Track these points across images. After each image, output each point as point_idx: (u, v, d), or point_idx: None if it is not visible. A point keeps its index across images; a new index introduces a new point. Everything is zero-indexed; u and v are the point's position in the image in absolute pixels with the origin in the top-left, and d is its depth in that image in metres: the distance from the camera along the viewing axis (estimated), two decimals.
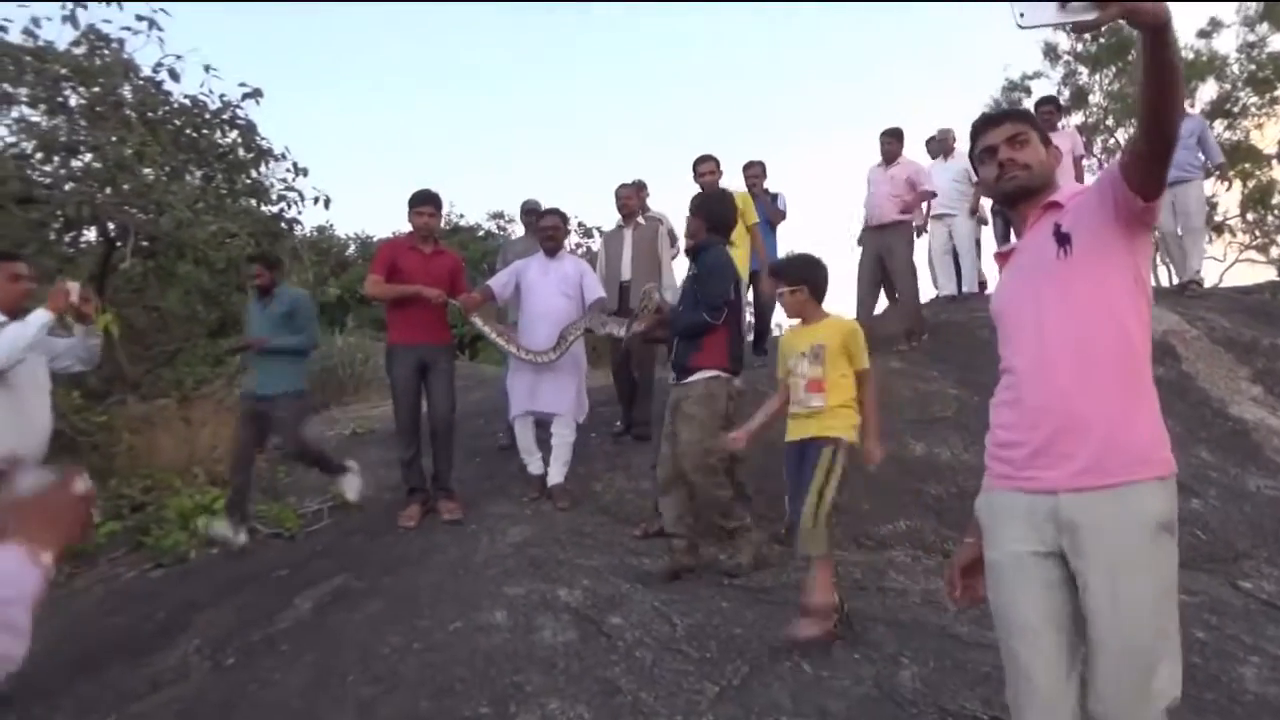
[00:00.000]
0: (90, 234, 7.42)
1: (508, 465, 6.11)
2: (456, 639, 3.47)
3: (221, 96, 7.74)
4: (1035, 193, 1.94)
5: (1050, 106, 7.26)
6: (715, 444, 3.92)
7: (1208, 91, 20.83)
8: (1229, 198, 20.73)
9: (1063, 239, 1.81)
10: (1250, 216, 21.86)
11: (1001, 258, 2.06)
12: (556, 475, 5.22)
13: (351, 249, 20.01)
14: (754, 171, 7.26)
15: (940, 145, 8.39)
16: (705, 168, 6.32)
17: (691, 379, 4.04)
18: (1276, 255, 23.95)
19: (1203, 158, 7.39)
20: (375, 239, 20.11)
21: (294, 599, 4.09)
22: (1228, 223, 21.83)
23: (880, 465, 4.95)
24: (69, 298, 3.50)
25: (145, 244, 7.13)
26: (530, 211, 6.62)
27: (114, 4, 6.84)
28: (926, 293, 7.86)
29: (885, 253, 6.84)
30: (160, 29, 7.06)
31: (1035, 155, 1.94)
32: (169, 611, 4.20)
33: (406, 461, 5.05)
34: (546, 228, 5.39)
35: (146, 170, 6.87)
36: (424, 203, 5.07)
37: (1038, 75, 24.21)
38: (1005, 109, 2.40)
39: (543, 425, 5.38)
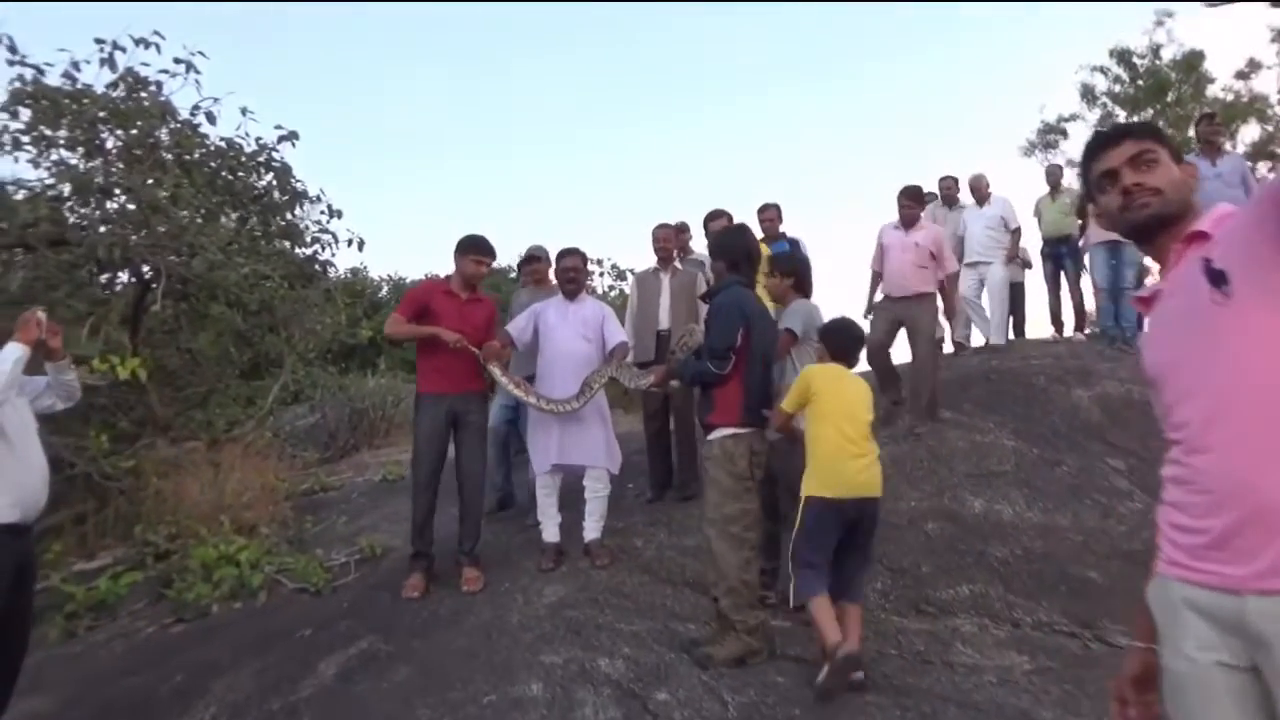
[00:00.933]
0: (124, 276, 7.37)
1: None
2: (490, 714, 3.22)
3: (258, 139, 7.70)
4: (1172, 221, 1.61)
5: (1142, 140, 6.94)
6: (739, 511, 3.64)
7: (1249, 133, 20.53)
8: None
9: (1217, 277, 1.44)
10: None
11: (1144, 303, 1.69)
12: (592, 531, 4.93)
13: (384, 290, 20.02)
14: (769, 215, 6.65)
15: (975, 192, 8.14)
16: (716, 225, 5.83)
17: (710, 438, 3.75)
18: None
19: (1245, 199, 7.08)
20: (408, 280, 20.15)
21: (318, 663, 3.85)
22: None
23: (937, 523, 4.77)
24: (40, 328, 3.28)
25: (178, 286, 7.07)
26: (532, 259, 6.16)
27: (151, 48, 6.81)
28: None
29: (909, 325, 6.11)
30: (198, 72, 7.04)
31: (1167, 176, 1.62)
32: (187, 673, 3.98)
33: (418, 523, 4.71)
34: (567, 269, 5.11)
35: (181, 212, 6.81)
36: (482, 252, 4.83)
37: (1074, 117, 24.02)
38: (1125, 124, 2.05)
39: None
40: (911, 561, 4.53)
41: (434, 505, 4.75)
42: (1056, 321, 8.33)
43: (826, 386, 3.69)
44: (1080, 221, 7.71)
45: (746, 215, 6.31)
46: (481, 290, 5.06)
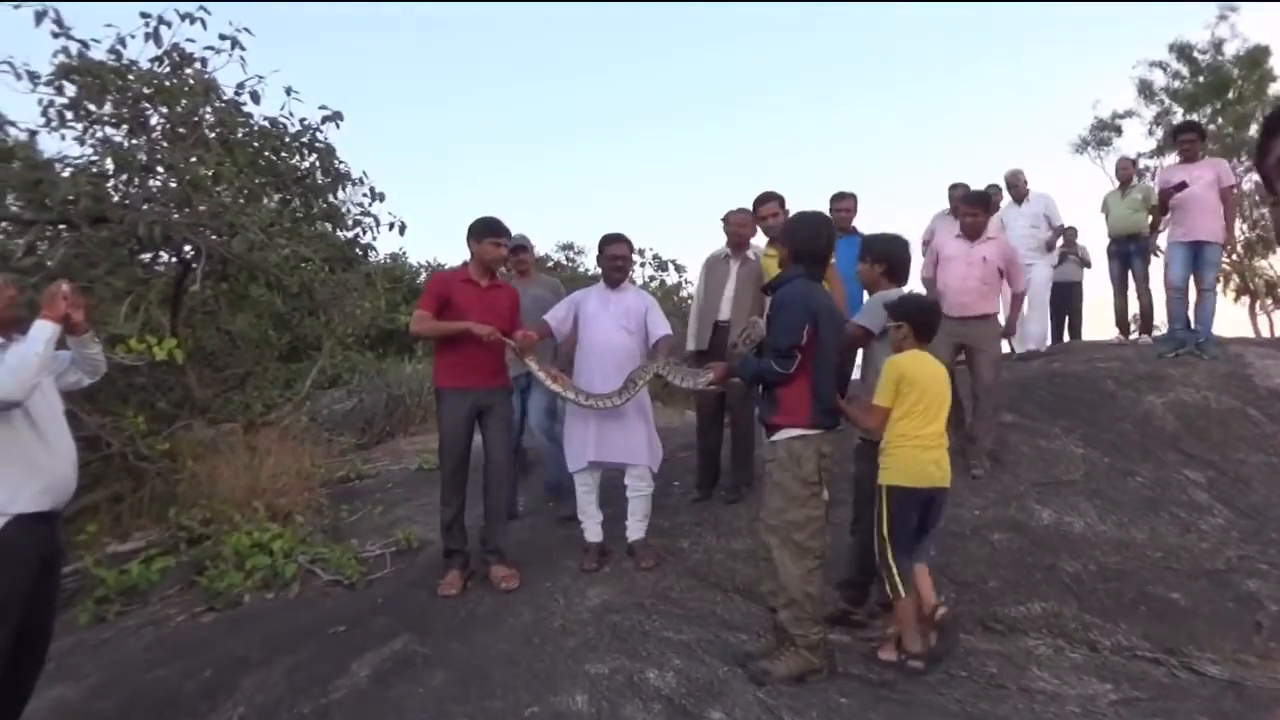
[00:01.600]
0: (165, 255, 7.28)
1: None
2: None
3: (302, 120, 7.56)
4: None
5: (1193, 134, 6.60)
6: (804, 518, 3.41)
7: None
8: None
9: None
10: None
11: None
12: (636, 531, 4.73)
13: (422, 276, 19.96)
14: (844, 205, 6.16)
15: (1013, 189, 7.86)
16: (767, 209, 5.38)
17: (774, 439, 3.51)
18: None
19: None
20: (447, 267, 20.08)
21: (351, 663, 3.67)
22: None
23: (1004, 534, 4.50)
24: (64, 302, 3.10)
25: (218, 267, 6.96)
26: (516, 249, 5.66)
27: (197, 23, 6.68)
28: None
29: (970, 350, 5.35)
30: (243, 49, 6.89)
31: None
32: (216, 668, 3.82)
33: (447, 521, 4.52)
34: (614, 256, 4.85)
35: (221, 191, 6.69)
36: (499, 234, 4.59)
37: (1130, 114, 23.35)
38: None
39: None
40: (977, 574, 4.26)
41: (463, 502, 4.54)
42: (1123, 323, 7.95)
43: (919, 375, 3.59)
44: (1151, 218, 7.35)
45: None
46: (499, 276, 4.86)
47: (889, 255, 4.06)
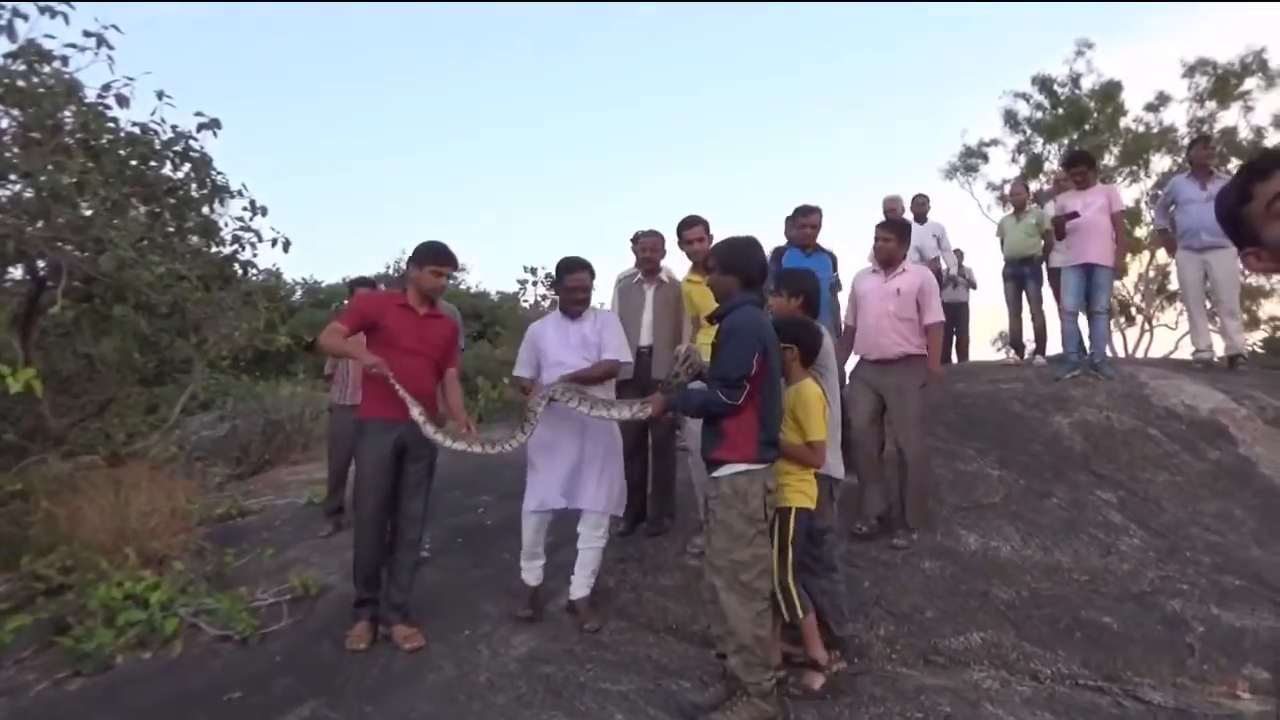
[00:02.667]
0: (16, 272, 6.57)
1: (498, 549, 5.35)
2: None
3: (174, 127, 6.96)
4: None
5: (1083, 165, 6.82)
6: (751, 558, 3.22)
7: (1160, 164, 21.20)
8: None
9: None
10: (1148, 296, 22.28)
11: None
12: (581, 587, 4.27)
13: (298, 294, 19.03)
14: (810, 220, 5.61)
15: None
16: (693, 233, 5.03)
17: (717, 474, 3.32)
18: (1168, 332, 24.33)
19: None
20: (324, 284, 19.22)
21: None
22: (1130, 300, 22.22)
23: (936, 562, 4.45)
24: None
25: (80, 285, 6.31)
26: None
27: (58, 18, 6.04)
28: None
29: (890, 399, 4.84)
30: (110, 47, 6.28)
31: None
32: None
33: (364, 567, 4.11)
34: (576, 288, 4.40)
35: (85, 203, 6.06)
36: (441, 262, 4.21)
37: (995, 142, 24.51)
38: None
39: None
40: (913, 605, 4.17)
41: (383, 547, 4.15)
42: (1017, 344, 8.18)
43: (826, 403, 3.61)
44: (1044, 243, 7.59)
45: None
46: (441, 305, 4.49)
47: (806, 290, 3.96)
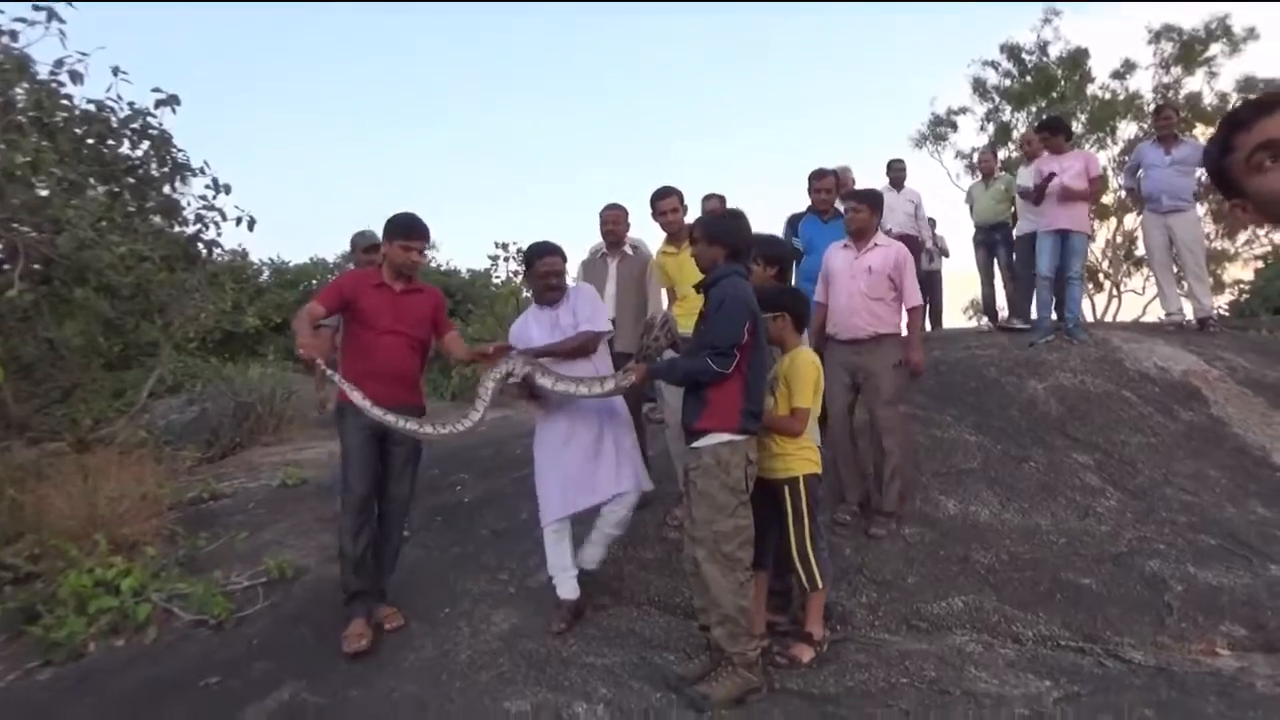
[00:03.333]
0: None
1: (477, 526, 5.29)
2: None
3: (131, 104, 6.77)
4: None
5: (1048, 133, 6.81)
6: (732, 528, 3.20)
7: (1127, 131, 21.33)
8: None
9: None
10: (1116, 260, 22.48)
11: None
12: (590, 560, 4.03)
13: (265, 275, 18.73)
14: (824, 184, 5.49)
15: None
16: (666, 204, 4.90)
17: (699, 444, 3.28)
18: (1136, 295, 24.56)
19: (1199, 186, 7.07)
20: (291, 265, 18.94)
21: None
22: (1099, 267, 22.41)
23: (916, 529, 4.45)
24: None
25: (38, 268, 6.14)
26: (373, 248, 5.16)
27: None
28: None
29: (863, 380, 4.61)
30: (62, 22, 6.08)
31: None
32: None
33: (353, 558, 3.87)
34: (548, 273, 4.09)
35: (41, 182, 5.88)
36: (410, 235, 3.98)
37: (964, 110, 24.55)
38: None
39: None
40: (895, 572, 4.17)
41: (372, 536, 3.97)
42: (990, 311, 8.20)
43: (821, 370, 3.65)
44: (1014, 209, 7.59)
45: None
46: (419, 278, 4.22)
47: (782, 258, 3.98)
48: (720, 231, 3.43)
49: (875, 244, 4.69)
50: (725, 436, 3.22)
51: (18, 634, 4.35)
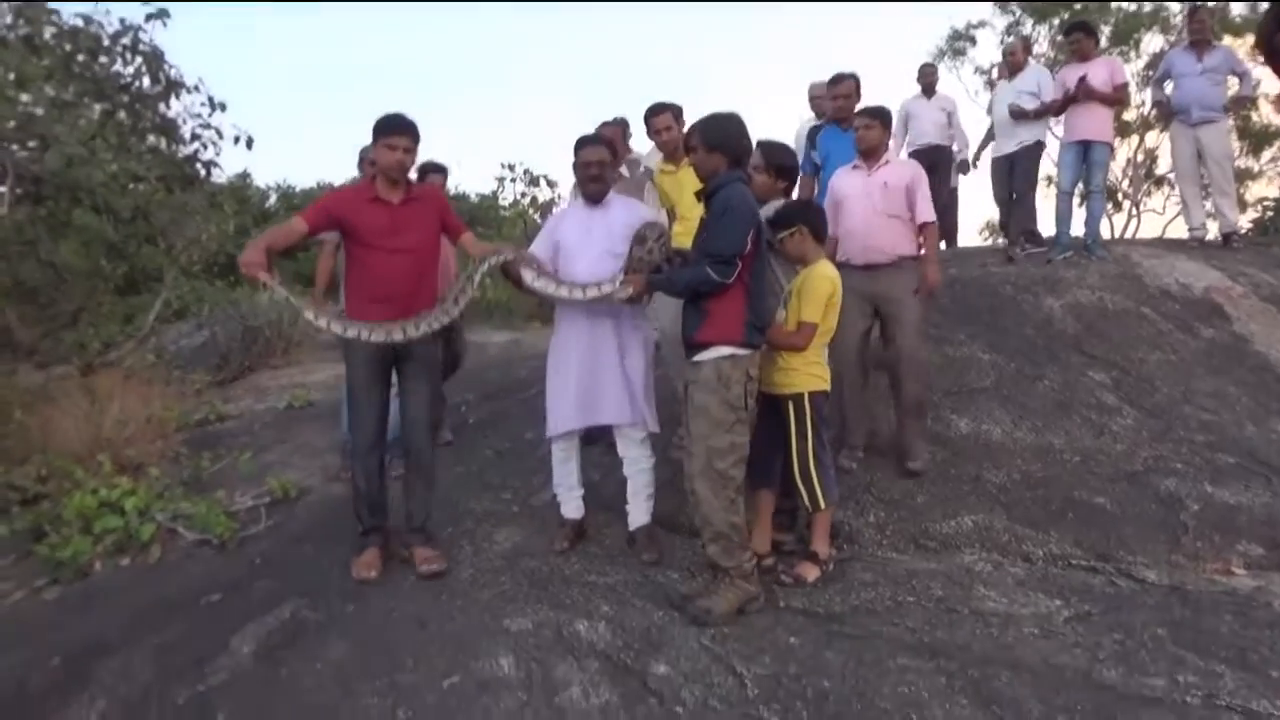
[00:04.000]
0: None
1: (480, 446, 5.25)
2: (455, 701, 2.65)
3: (121, 20, 6.55)
4: None
5: (1080, 34, 6.51)
6: (728, 445, 3.11)
7: (1152, 44, 20.58)
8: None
9: None
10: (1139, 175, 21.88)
11: None
12: (640, 514, 3.80)
13: (272, 199, 18.50)
14: (843, 90, 5.14)
15: (1013, 61, 7.15)
16: (661, 120, 4.62)
17: (699, 358, 3.17)
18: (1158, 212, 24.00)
19: (1230, 91, 6.74)
20: (298, 190, 18.68)
21: (231, 638, 3.17)
22: (1169, 177, 21.81)
23: (927, 447, 4.36)
24: None
25: (31, 188, 6.01)
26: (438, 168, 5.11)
27: None
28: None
29: (884, 309, 4.31)
30: None
31: None
32: (67, 655, 3.25)
33: (366, 495, 3.66)
34: (588, 163, 3.73)
35: (28, 100, 5.72)
36: (393, 131, 3.52)
37: (983, 24, 23.75)
38: None
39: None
40: (904, 491, 4.10)
41: (384, 469, 3.75)
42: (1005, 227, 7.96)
43: (840, 284, 3.51)
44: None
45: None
46: (413, 185, 3.74)
47: (793, 170, 3.81)
48: (720, 137, 3.23)
49: (886, 160, 4.40)
50: (727, 350, 3.11)
51: (25, 554, 4.36)
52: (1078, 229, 6.75)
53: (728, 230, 3.06)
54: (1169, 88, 6.92)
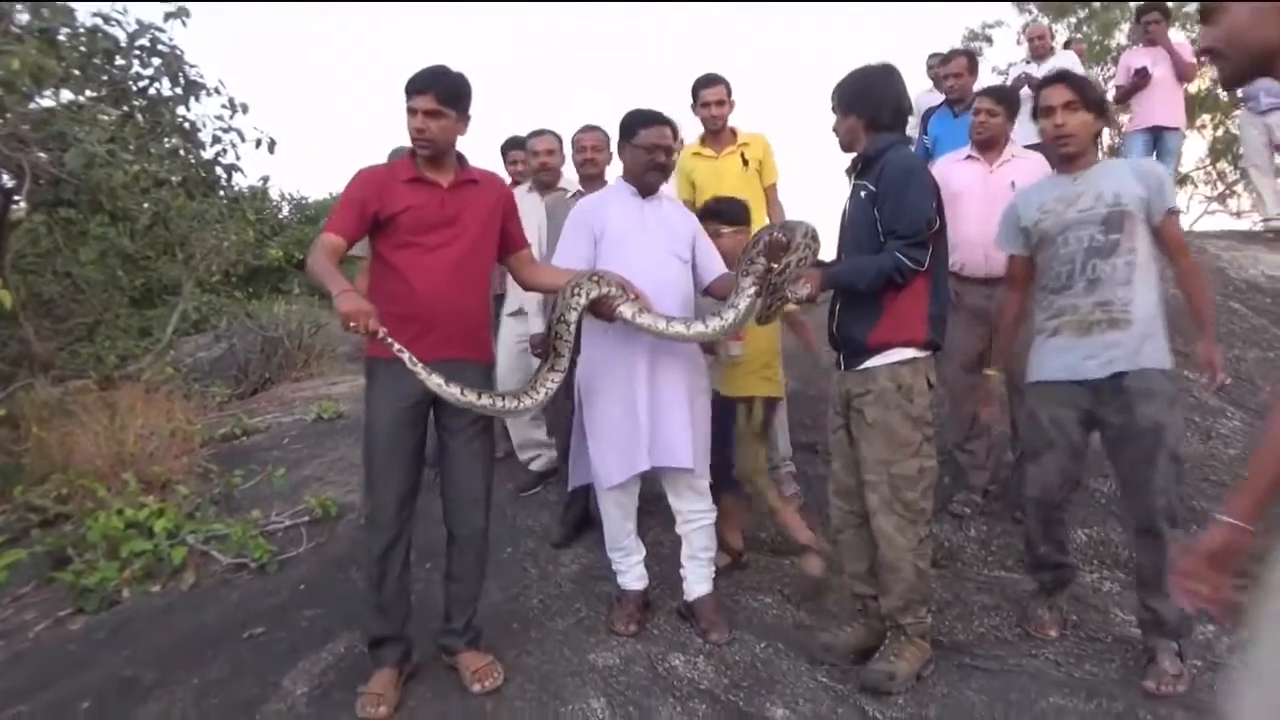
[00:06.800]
0: None
1: None
2: None
3: (138, 20, 6.28)
4: None
5: (1160, 14, 6.15)
6: (917, 471, 2.57)
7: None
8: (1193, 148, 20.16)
9: None
10: (1220, 166, 21.44)
11: None
12: (700, 583, 3.02)
13: (285, 211, 18.24)
14: (955, 69, 4.67)
15: (1038, 46, 6.66)
16: (712, 93, 4.07)
17: (868, 365, 2.61)
18: (1235, 207, 23.59)
19: None
20: (311, 201, 18.43)
21: (281, 678, 2.85)
22: (1191, 174, 21.41)
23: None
24: None
25: (49, 192, 5.72)
26: (518, 145, 4.58)
27: None
28: None
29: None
30: None
31: None
32: (97, 695, 2.93)
33: (379, 582, 2.67)
34: (654, 146, 3.00)
35: (45, 96, 5.45)
36: (412, 89, 2.64)
37: (999, 23, 23.46)
38: None
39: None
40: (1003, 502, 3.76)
41: (407, 556, 2.74)
42: None
43: None
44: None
45: None
46: (468, 163, 2.82)
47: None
48: (855, 97, 2.69)
49: (1011, 156, 3.74)
50: (908, 353, 2.58)
51: (48, 580, 4.04)
52: None
53: (914, 202, 2.52)
54: None
